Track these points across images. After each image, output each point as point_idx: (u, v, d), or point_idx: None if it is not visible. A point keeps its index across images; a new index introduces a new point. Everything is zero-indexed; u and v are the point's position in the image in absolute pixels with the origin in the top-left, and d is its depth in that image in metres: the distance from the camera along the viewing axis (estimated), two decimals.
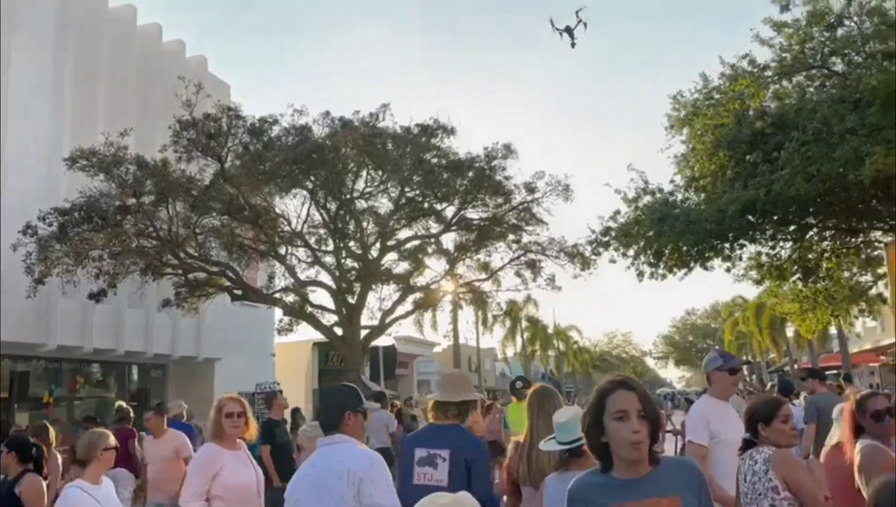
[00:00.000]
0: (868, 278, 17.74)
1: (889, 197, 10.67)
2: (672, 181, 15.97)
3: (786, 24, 11.66)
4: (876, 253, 16.89)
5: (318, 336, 27.00)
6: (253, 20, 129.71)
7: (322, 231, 17.83)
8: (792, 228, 13.71)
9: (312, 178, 16.36)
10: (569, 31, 12.83)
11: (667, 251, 14.86)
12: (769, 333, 37.64)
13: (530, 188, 17.62)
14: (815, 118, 10.28)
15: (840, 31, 10.76)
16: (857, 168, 9.27)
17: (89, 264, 14.28)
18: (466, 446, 3.92)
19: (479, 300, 23.84)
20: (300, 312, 17.51)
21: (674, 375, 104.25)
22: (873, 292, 17.77)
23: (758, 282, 18.94)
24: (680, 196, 15.33)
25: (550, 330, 46.13)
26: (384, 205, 18.49)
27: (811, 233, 14.59)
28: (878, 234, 16.07)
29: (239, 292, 16.46)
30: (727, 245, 15.10)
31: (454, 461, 3.84)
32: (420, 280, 21.14)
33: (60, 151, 16.17)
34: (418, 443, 4.02)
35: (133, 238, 13.78)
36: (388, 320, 19.33)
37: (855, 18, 10.86)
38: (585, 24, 12.54)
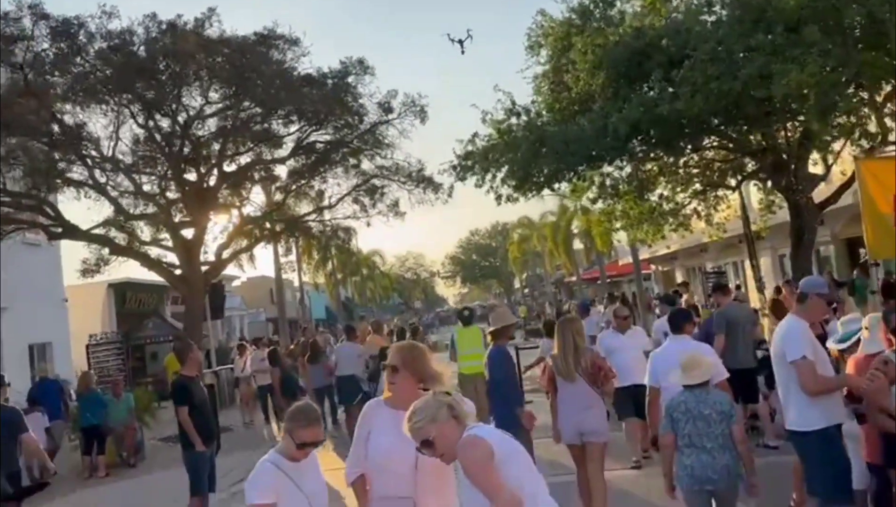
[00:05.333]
0: (686, 195, 19.11)
1: (789, 114, 11.42)
2: (534, 102, 15.81)
3: None
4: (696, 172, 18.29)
5: (113, 277, 24.20)
6: None
7: (149, 154, 15.37)
8: (661, 148, 14.26)
9: (140, 93, 13.87)
10: (461, 42, 16.53)
11: (537, 173, 14.73)
12: (564, 249, 40.48)
13: (386, 108, 16.56)
14: (713, 38, 10.57)
15: None
16: (763, 86, 9.72)
17: None
18: (491, 354, 6.81)
19: (309, 232, 22.51)
20: (129, 250, 15.14)
21: (457, 292, 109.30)
22: (690, 208, 19.11)
23: (593, 201, 19.70)
24: (546, 117, 15.22)
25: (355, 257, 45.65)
26: (217, 126, 16.37)
27: (689, 151, 15.27)
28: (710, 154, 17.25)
29: (58, 231, 13.72)
30: (585, 167, 15.35)
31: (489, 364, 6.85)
32: (248, 209, 19.42)
33: None
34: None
35: None
36: (224, 255, 17.55)
37: None
38: (472, 37, 16.65)
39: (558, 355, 6.14)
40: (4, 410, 6.75)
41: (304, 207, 20.74)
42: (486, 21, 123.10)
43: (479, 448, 2.80)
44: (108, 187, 15.07)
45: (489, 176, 15.64)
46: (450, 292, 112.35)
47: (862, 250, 20.23)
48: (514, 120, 15.10)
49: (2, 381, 8.07)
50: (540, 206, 57.80)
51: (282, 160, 17.59)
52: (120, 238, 15.40)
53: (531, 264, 62.18)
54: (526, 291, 76.54)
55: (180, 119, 14.94)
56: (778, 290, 14.93)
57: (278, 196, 20.03)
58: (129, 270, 26.70)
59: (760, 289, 16.86)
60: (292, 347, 13.19)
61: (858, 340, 5.12)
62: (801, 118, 11.49)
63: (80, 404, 12.10)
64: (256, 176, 19.24)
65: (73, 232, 14.24)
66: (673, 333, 6.13)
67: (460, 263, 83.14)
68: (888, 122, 11.18)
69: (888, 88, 10.80)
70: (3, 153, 12.82)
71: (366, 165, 18.72)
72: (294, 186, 19.35)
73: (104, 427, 12.01)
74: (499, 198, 16.01)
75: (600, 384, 6.03)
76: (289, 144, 17.53)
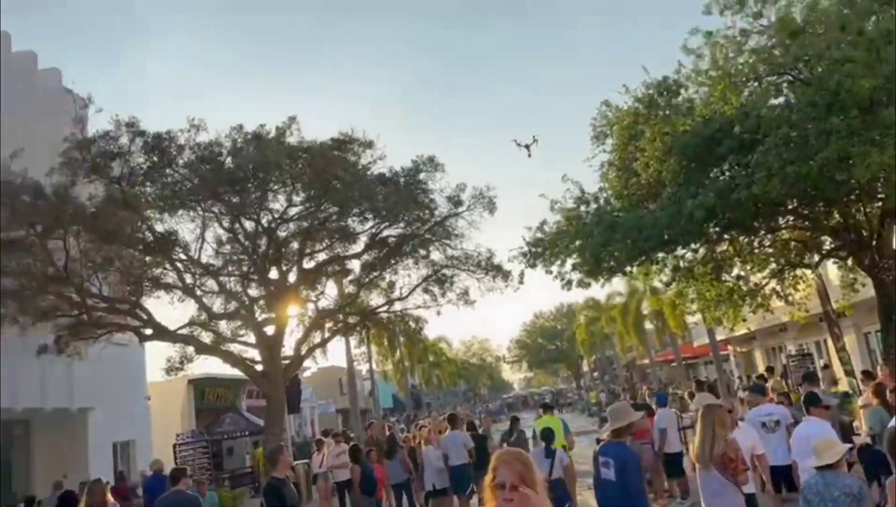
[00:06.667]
0: (763, 275, 18.72)
1: (869, 197, 11.30)
2: (602, 189, 16.00)
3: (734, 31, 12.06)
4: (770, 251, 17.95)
5: (193, 373, 24.85)
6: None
7: (234, 257, 16.08)
8: (736, 230, 14.18)
9: (227, 199, 14.68)
10: (527, 146, 17.08)
11: (608, 259, 14.76)
12: (635, 330, 39.74)
13: (455, 201, 17.01)
14: (785, 122, 10.62)
15: (801, 39, 11.16)
16: (842, 169, 9.65)
17: None
18: (624, 454, 6.11)
19: (381, 323, 22.82)
20: (214, 348, 15.65)
21: (522, 377, 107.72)
22: (768, 288, 18.67)
23: (667, 284, 19.47)
24: (616, 204, 15.37)
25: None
26: (299, 226, 17.07)
27: (761, 234, 15.18)
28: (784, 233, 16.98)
29: (148, 332, 14.37)
30: (659, 251, 15.30)
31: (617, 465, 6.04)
32: (322, 303, 19.90)
33: None
34: (600, 453, 6.25)
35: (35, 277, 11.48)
36: (304, 350, 17.92)
37: (817, 27, 11.37)
38: (538, 141, 17.29)
39: (697, 442, 6.47)
40: (185, 496, 8.03)
41: (375, 299, 21.15)
42: (548, 111, 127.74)
43: None
44: (195, 288, 15.77)
45: (558, 262, 15.74)
46: (515, 377, 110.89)
47: None
48: (583, 208, 15.30)
49: (185, 472, 8.83)
50: (606, 287, 57.32)
51: (357, 255, 18.11)
52: (205, 337, 15.97)
53: (599, 346, 60.92)
54: (595, 374, 74.71)
55: (264, 221, 15.67)
56: (867, 373, 14.30)
57: (351, 289, 20.50)
58: (207, 365, 27.35)
59: (850, 373, 16.17)
60: (371, 451, 13.40)
61: None
62: (882, 196, 11.30)
63: None
64: (331, 270, 19.81)
65: (162, 333, 14.87)
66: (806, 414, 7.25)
67: (525, 346, 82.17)
68: None
69: None
70: (100, 261, 13.62)
71: (436, 255, 19.11)
72: (367, 279, 19.80)
73: None
74: (568, 284, 16.01)
75: (732, 474, 6.06)
76: (363, 240, 18.11)
